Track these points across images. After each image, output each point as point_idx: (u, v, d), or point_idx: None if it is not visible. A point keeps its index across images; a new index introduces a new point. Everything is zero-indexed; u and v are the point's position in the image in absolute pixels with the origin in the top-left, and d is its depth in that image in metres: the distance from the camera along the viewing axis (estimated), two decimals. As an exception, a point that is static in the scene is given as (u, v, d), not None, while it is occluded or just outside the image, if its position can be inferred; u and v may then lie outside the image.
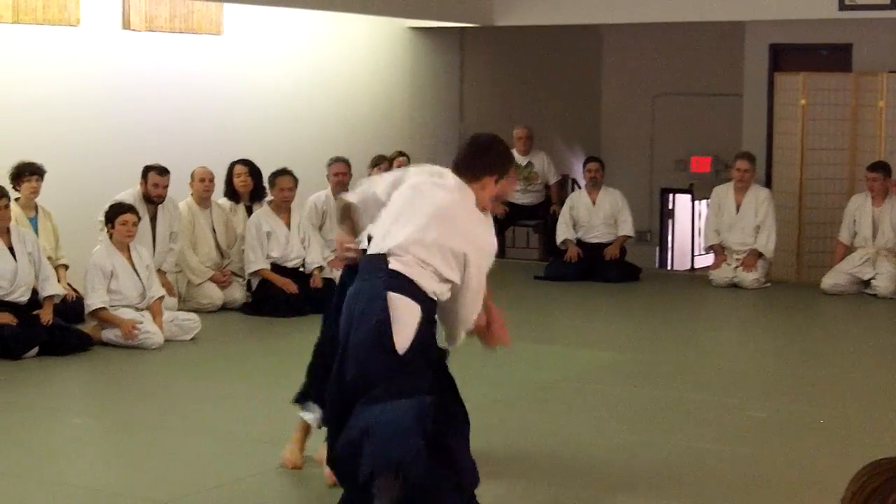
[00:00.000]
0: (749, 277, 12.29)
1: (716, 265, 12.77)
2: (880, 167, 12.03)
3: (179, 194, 10.89)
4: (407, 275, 5.03)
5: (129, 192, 10.38)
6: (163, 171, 10.45)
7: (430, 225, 5.11)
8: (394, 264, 5.04)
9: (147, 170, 10.50)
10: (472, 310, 5.29)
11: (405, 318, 4.98)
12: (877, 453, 2.45)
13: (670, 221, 17.66)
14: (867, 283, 11.94)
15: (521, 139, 14.37)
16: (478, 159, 5.33)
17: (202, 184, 11.02)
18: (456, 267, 5.11)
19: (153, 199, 10.48)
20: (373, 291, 5.04)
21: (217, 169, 11.29)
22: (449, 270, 5.09)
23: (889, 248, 11.99)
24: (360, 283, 5.12)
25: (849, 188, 12.73)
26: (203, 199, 11.08)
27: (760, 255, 12.46)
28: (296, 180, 11.08)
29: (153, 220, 10.54)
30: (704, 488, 5.95)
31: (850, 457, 5.33)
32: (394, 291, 5.00)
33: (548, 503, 5.52)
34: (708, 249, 13.29)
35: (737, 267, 12.45)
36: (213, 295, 10.88)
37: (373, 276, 5.08)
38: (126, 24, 11.52)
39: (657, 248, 17.39)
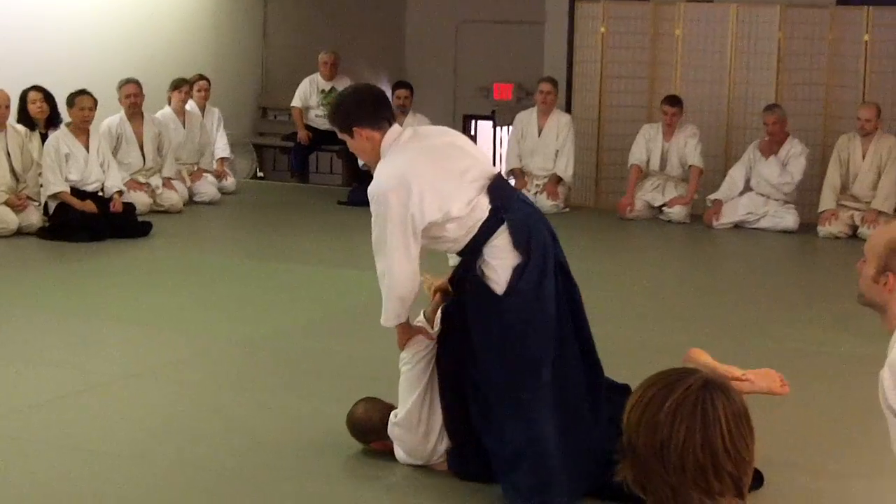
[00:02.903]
0: (548, 203, 12.48)
1: (517, 189, 12.91)
2: (678, 102, 12.30)
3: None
4: None
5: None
6: None
7: None
8: None
9: None
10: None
11: None
12: (665, 367, 2.54)
13: (473, 147, 17.78)
14: (660, 210, 12.30)
15: (327, 64, 14.31)
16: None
17: (-2, 109, 10.71)
18: None
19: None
20: None
21: (13, 93, 10.98)
22: None
23: (677, 176, 12.35)
24: None
25: (647, 115, 13.00)
26: (-2, 123, 10.79)
27: (560, 179, 12.67)
28: (95, 101, 10.86)
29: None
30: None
31: (643, 373, 5.48)
32: None
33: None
34: (508, 174, 13.45)
35: (537, 193, 12.61)
36: (8, 219, 10.62)
37: None
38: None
39: (460, 174, 17.49)
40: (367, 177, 13.87)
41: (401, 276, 4.90)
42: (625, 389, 4.97)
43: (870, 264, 3.77)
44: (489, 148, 17.73)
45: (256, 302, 8.54)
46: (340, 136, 5.14)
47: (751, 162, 11.99)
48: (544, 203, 12.46)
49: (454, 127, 17.25)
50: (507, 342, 4.78)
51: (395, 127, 5.04)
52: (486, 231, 4.84)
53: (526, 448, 4.75)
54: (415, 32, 17.43)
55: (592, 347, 5.03)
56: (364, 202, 13.56)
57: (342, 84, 14.37)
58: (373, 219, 4.96)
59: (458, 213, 4.84)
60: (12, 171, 10.82)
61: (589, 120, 13.31)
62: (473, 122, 17.70)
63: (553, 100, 12.80)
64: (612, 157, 13.25)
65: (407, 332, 5.10)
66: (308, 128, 14.33)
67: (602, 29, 13.24)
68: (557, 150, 12.67)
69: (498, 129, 17.27)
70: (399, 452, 5.22)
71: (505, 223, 4.83)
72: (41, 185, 10.88)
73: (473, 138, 17.60)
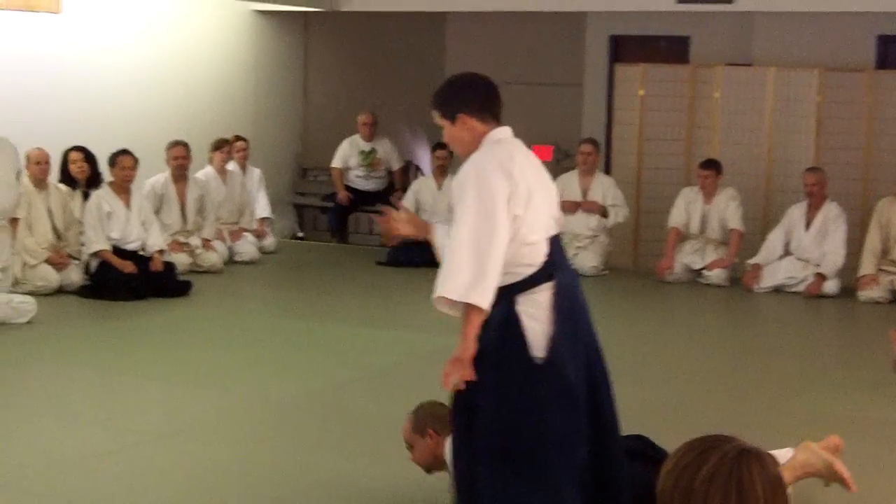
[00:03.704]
0: (588, 265, 12.42)
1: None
2: (712, 165, 12.29)
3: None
4: None
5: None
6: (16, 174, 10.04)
7: None
8: None
9: None
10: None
11: None
12: (701, 431, 2.53)
13: (512, 208, 17.78)
14: (699, 273, 12.25)
15: (367, 125, 14.40)
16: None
17: (38, 166, 10.80)
18: None
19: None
20: None
21: (56, 152, 11.11)
22: None
23: (717, 239, 12.31)
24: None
25: (685, 178, 12.99)
26: (39, 181, 10.87)
27: (606, 215, 12.68)
28: (136, 160, 10.97)
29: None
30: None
31: (679, 435, 5.47)
32: None
33: (389, 477, 5.56)
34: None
35: (575, 254, 12.56)
36: (50, 277, 10.71)
37: None
38: (-41, 1, 11.26)
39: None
40: (405, 239, 13.92)
41: (501, 244, 4.43)
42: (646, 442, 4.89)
43: (905, 332, 3.76)
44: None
45: (293, 361, 8.56)
46: (440, 121, 4.73)
47: (790, 226, 11.94)
48: (584, 264, 12.38)
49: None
50: (539, 415, 4.50)
51: (504, 128, 4.71)
52: (530, 281, 4.51)
53: None
54: (454, 94, 17.48)
55: (614, 418, 4.87)
56: (402, 263, 13.66)
57: (381, 145, 14.48)
58: (460, 194, 4.52)
59: (525, 237, 4.50)
60: (54, 228, 10.93)
61: (627, 182, 13.31)
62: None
63: (595, 161, 12.83)
64: (650, 219, 13.24)
65: (476, 334, 4.52)
66: (348, 188, 14.39)
67: (641, 91, 13.28)
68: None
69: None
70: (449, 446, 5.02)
71: (554, 280, 4.54)
72: (82, 244, 10.97)
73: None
